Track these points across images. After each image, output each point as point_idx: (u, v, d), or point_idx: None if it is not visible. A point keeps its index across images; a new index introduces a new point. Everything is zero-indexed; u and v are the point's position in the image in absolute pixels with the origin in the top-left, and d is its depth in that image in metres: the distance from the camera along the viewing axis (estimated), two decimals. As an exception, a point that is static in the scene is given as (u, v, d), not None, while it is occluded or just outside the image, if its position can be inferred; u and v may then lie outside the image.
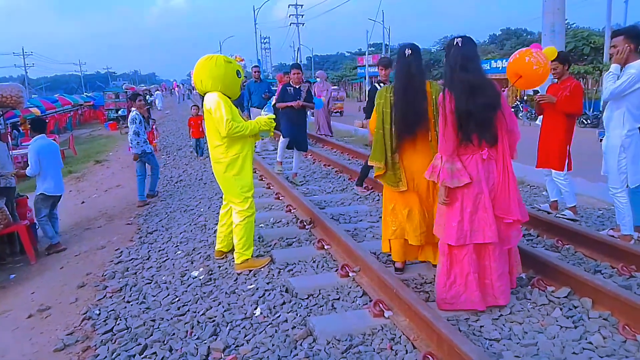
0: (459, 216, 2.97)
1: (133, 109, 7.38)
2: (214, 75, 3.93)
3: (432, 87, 3.40)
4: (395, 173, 3.48)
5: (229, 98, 4.01)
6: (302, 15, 48.17)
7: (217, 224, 5.44)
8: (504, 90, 3.19)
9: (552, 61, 5.00)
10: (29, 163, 5.83)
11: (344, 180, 7.35)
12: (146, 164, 7.37)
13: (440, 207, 3.10)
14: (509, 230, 3.02)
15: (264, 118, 4.16)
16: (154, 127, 12.54)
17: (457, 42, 2.95)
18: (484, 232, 2.95)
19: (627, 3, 23.66)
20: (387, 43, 41.64)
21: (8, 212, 5.53)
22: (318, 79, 11.85)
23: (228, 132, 3.82)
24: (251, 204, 4.10)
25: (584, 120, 17.45)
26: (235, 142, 3.97)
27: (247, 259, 4.07)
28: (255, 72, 10.90)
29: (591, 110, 18.55)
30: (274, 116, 4.24)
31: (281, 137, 7.46)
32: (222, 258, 4.36)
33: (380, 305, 3.07)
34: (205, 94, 4.02)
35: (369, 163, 3.61)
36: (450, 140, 2.93)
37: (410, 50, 3.38)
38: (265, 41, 55.70)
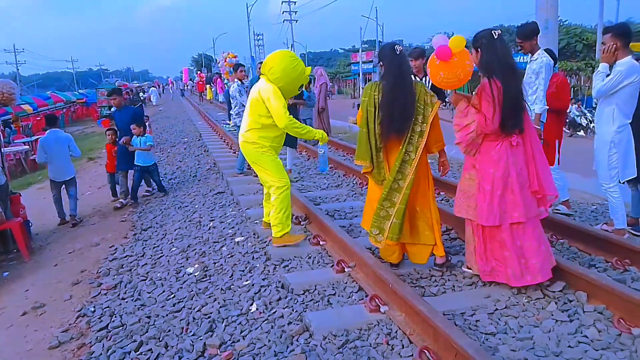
0: (489, 198, 3.15)
1: (237, 79, 7.66)
2: (287, 73, 4.15)
3: (416, 87, 3.38)
4: (379, 172, 3.48)
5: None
6: (296, 12, 48.03)
7: (211, 220, 5.46)
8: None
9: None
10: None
11: (339, 176, 7.34)
12: None
13: (468, 190, 3.28)
14: (540, 205, 3.26)
15: (322, 134, 4.39)
16: (147, 123, 12.49)
17: (498, 34, 3.14)
18: (512, 214, 3.14)
19: (619, 0, 23.80)
20: (381, 40, 41.62)
21: (1, 210, 5.48)
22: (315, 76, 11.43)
23: (287, 125, 4.09)
24: (286, 179, 4.30)
25: (576, 116, 17.55)
26: (272, 132, 4.27)
27: (286, 233, 4.24)
28: (259, 67, 10.66)
29: (583, 106, 18.64)
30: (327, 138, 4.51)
31: None
32: (269, 229, 4.53)
33: (376, 300, 3.07)
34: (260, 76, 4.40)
35: (355, 162, 3.60)
36: (494, 122, 3.09)
37: (400, 48, 3.38)
38: (258, 38, 55.37)
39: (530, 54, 4.71)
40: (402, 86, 3.31)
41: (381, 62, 3.43)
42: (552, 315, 2.94)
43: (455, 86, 3.34)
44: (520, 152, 3.17)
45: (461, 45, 3.16)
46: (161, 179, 7.60)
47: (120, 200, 7.08)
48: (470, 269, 3.48)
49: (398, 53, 3.36)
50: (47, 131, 6.79)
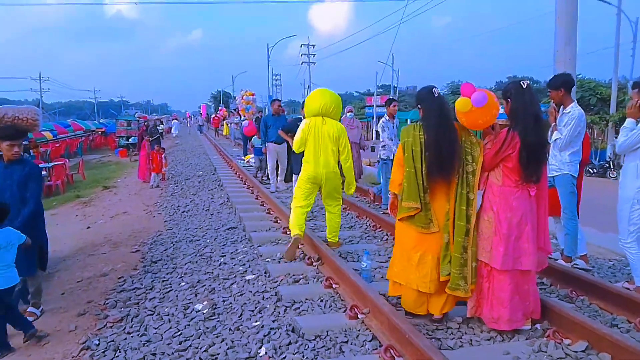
0: (505, 243, 3.20)
1: (386, 117, 7.97)
2: (340, 109, 5.46)
3: (458, 128, 3.42)
4: (426, 214, 3.38)
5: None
6: (314, 55, 49.20)
7: (222, 256, 5.41)
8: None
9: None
10: None
11: (352, 217, 7.28)
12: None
13: (485, 232, 3.28)
14: (543, 257, 3.44)
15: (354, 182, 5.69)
16: (163, 156, 12.63)
17: (527, 84, 3.29)
18: (523, 261, 3.24)
19: (634, 57, 24.08)
20: (396, 85, 42.35)
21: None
22: (349, 114, 10.73)
23: (347, 156, 5.27)
24: None
25: (590, 169, 17.48)
26: None
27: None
28: (277, 105, 10.06)
29: (597, 159, 18.59)
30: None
31: (293, 177, 7.47)
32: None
33: (391, 351, 2.96)
34: (313, 116, 5.25)
35: (403, 204, 3.43)
36: (493, 163, 3.30)
37: (438, 91, 3.48)
38: (276, 78, 56.63)
39: (562, 106, 4.67)
40: (446, 127, 3.36)
41: (419, 105, 3.52)
42: (575, 377, 2.80)
43: (479, 128, 3.50)
44: (534, 204, 3.29)
45: (466, 107, 3.29)
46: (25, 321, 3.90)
47: None
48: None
49: (436, 96, 3.45)
50: None
